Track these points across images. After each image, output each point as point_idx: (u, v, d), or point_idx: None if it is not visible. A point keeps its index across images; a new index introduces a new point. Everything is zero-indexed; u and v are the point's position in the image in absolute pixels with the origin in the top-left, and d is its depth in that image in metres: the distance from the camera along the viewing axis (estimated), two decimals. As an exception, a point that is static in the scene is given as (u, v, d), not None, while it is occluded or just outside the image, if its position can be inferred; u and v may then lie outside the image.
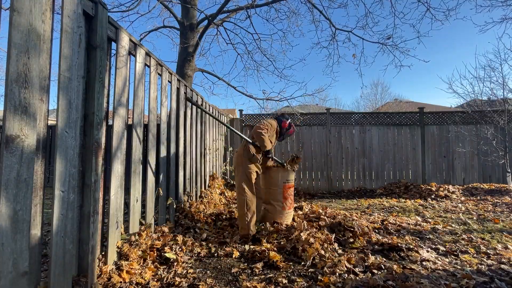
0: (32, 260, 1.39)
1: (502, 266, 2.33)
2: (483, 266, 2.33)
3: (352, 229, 2.98)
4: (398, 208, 4.62)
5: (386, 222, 3.72)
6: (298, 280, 2.09)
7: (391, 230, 3.37)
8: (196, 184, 4.21)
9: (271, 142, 3.39)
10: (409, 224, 3.67)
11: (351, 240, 2.85)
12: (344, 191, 6.91)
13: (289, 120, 3.65)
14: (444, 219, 3.94)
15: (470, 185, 6.28)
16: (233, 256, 2.58)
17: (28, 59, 1.36)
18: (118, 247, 2.14)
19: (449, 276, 2.15)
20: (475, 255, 2.58)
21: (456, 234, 3.21)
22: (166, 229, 2.79)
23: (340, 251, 2.61)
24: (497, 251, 2.67)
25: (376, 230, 3.36)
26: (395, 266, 2.28)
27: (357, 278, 2.09)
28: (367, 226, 3.19)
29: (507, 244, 2.85)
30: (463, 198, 5.46)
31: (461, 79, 20.11)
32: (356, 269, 2.24)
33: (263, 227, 3.20)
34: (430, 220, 3.86)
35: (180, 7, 6.05)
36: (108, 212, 2.07)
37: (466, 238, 3.06)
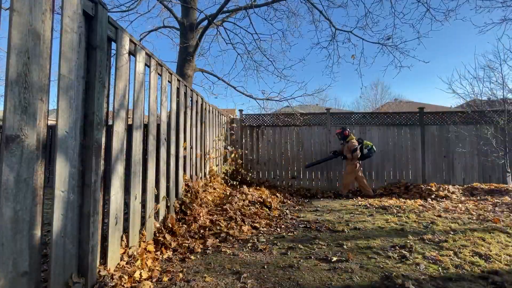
0: (32, 260, 1.39)
1: (502, 266, 2.33)
2: (481, 267, 2.33)
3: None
4: (398, 208, 4.62)
5: (387, 222, 3.72)
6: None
7: (393, 231, 3.38)
8: (196, 185, 4.21)
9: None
10: (408, 223, 3.67)
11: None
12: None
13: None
14: (444, 219, 3.93)
15: (470, 185, 6.27)
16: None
17: (28, 59, 1.36)
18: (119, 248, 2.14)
19: (447, 279, 2.15)
20: (474, 255, 2.58)
21: (456, 234, 3.21)
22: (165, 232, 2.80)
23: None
24: (497, 251, 2.66)
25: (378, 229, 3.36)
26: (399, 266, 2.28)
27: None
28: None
29: (507, 244, 2.85)
30: (463, 198, 5.46)
31: (460, 79, 20.06)
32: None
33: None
34: (429, 221, 3.86)
35: (180, 7, 6.05)
36: (108, 212, 2.07)
37: (466, 238, 3.06)
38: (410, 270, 2.27)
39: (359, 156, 6.22)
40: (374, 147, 6.38)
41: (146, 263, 2.25)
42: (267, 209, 4.53)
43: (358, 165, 6.32)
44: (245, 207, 4.32)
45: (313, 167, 7.13)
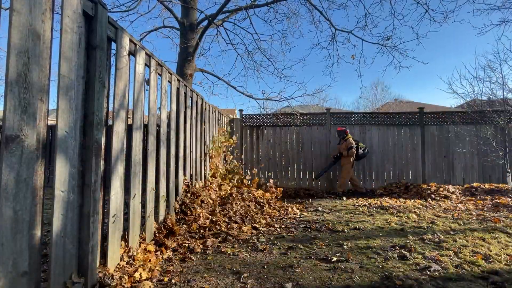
0: (32, 260, 1.39)
1: (501, 266, 2.33)
2: (481, 267, 2.32)
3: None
4: (398, 208, 4.62)
5: (387, 221, 3.71)
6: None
7: (393, 231, 3.37)
8: (196, 185, 4.21)
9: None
10: (408, 223, 3.67)
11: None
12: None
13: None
14: (444, 219, 3.94)
15: (470, 185, 6.27)
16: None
17: (28, 59, 1.36)
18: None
19: (447, 279, 2.15)
20: (474, 255, 2.58)
21: (456, 234, 3.21)
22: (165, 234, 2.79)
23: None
24: (497, 251, 2.66)
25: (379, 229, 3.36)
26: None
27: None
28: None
29: (507, 244, 2.85)
30: (463, 198, 5.46)
31: (460, 79, 20.04)
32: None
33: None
34: (429, 221, 3.86)
35: (180, 7, 6.05)
36: (108, 212, 2.07)
37: (466, 238, 3.06)
38: (410, 270, 2.27)
39: (354, 153, 6.49)
40: (367, 148, 6.82)
41: (146, 263, 2.25)
42: (267, 209, 4.53)
43: (353, 163, 6.65)
44: (245, 207, 4.32)
45: (313, 167, 7.13)
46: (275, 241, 3.03)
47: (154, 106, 2.83)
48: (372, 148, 7.09)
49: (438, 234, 3.20)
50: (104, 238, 2.05)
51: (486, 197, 5.41)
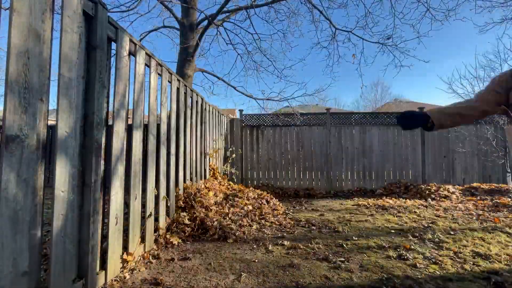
0: (32, 260, 1.39)
1: (502, 266, 2.33)
2: (481, 267, 2.32)
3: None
4: (398, 208, 4.62)
5: (388, 221, 3.71)
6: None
7: (393, 231, 3.37)
8: (196, 185, 4.21)
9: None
10: (408, 223, 3.67)
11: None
12: (344, 191, 6.90)
13: None
14: (444, 219, 3.93)
15: (470, 185, 6.27)
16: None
17: (28, 59, 1.36)
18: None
19: (447, 280, 2.15)
20: (474, 255, 2.58)
21: (456, 234, 3.21)
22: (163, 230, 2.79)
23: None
24: (497, 251, 2.66)
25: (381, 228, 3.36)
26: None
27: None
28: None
29: (507, 244, 2.85)
30: (463, 198, 5.46)
31: (461, 79, 20.03)
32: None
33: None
34: (429, 220, 3.86)
35: (180, 7, 6.05)
36: (108, 212, 2.07)
37: (466, 238, 3.06)
38: (410, 270, 2.28)
39: None
40: None
41: (146, 263, 2.25)
42: (266, 209, 4.53)
43: None
44: (244, 207, 4.32)
45: (313, 167, 7.13)
46: (275, 241, 3.03)
47: (154, 106, 2.83)
48: (372, 148, 7.09)
49: (438, 234, 3.20)
50: (104, 238, 2.05)
51: (486, 197, 5.41)
